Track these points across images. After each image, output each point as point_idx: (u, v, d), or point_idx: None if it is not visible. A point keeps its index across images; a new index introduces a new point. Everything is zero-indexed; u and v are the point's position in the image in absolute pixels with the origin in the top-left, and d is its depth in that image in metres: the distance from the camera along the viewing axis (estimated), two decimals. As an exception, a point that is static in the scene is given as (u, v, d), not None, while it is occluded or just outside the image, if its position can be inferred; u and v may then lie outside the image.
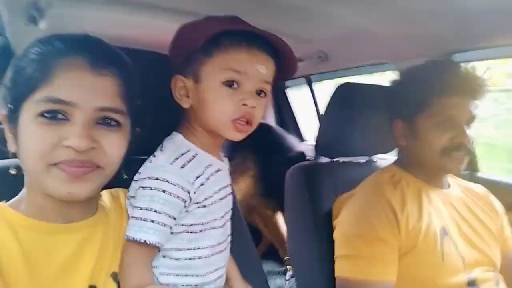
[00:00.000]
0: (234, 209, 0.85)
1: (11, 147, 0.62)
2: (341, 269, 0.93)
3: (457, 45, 1.21)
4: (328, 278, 0.96)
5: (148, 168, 0.70)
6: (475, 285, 0.89)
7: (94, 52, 0.61)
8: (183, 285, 0.72)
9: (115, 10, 1.19)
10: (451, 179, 1.06)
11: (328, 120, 1.21)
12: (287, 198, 1.17)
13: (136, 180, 0.70)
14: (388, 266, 0.89)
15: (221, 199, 0.75)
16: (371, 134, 1.16)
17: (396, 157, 1.08)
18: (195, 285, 0.73)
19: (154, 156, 0.72)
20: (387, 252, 0.89)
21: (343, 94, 1.18)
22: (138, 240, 0.65)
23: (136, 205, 0.67)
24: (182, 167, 0.68)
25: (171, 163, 0.68)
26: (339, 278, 0.93)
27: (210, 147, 0.74)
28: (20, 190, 0.66)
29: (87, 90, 0.59)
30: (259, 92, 0.71)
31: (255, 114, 0.70)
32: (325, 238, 1.02)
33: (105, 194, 0.75)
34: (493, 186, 1.13)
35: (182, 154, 0.70)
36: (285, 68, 0.74)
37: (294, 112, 2.37)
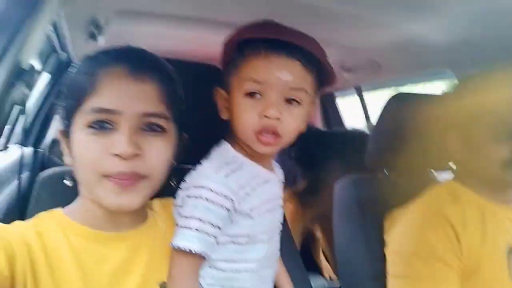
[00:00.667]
0: (284, 225, 0.82)
1: (67, 160, 0.65)
2: None
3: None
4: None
5: (194, 176, 0.70)
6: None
7: (135, 59, 0.63)
8: None
9: (169, 25, 1.23)
10: None
11: (379, 132, 1.16)
12: (336, 213, 1.13)
13: (182, 189, 0.71)
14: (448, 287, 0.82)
15: (268, 211, 0.73)
16: (425, 147, 1.09)
17: (453, 173, 1.01)
18: None
19: (201, 165, 0.71)
20: (447, 272, 0.83)
21: (396, 105, 1.13)
22: (182, 248, 0.65)
23: (182, 214, 0.67)
24: (227, 176, 0.67)
25: (216, 172, 0.67)
26: None
27: (258, 157, 0.72)
28: (75, 197, 0.69)
29: (130, 97, 0.60)
30: (290, 101, 0.67)
31: (280, 125, 0.66)
32: (377, 255, 0.96)
33: (156, 203, 0.76)
34: None
35: (228, 164, 0.69)
36: (323, 72, 0.69)
37: (343, 123, 2.31)
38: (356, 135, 1.78)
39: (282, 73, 0.65)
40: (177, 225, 0.68)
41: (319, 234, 1.97)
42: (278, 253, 0.80)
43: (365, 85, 2.00)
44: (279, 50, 0.65)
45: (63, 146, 0.66)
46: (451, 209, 0.88)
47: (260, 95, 0.66)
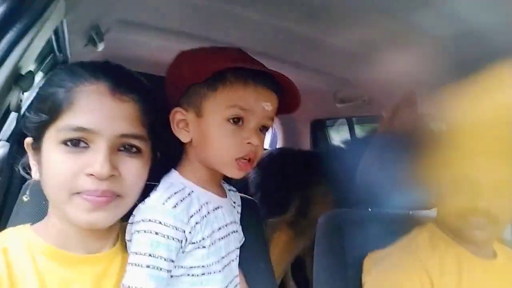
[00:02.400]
0: (257, 246, 0.81)
1: (35, 175, 0.63)
2: None
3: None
4: None
5: (141, 209, 0.67)
6: None
7: (114, 78, 0.61)
8: None
9: (167, 38, 1.23)
10: (498, 249, 0.96)
11: (366, 166, 1.16)
12: (317, 246, 1.12)
13: (131, 223, 0.67)
14: None
15: (221, 238, 0.72)
16: (412, 186, 1.10)
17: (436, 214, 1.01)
18: None
19: (149, 197, 0.68)
20: None
21: (384, 141, 1.14)
22: None
23: (132, 250, 0.64)
24: (175, 207, 0.65)
25: (163, 203, 0.65)
26: None
27: (208, 183, 0.72)
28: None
29: (108, 117, 0.59)
30: (262, 128, 0.70)
31: (257, 151, 0.69)
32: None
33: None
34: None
35: (175, 193, 0.67)
36: (289, 103, 0.73)
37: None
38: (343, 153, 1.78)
39: (266, 104, 0.68)
40: (128, 263, 0.64)
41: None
42: (236, 279, 0.78)
43: (357, 117, 2.03)
44: (265, 81, 0.67)
45: (31, 160, 0.63)
46: (428, 256, 0.88)
47: (242, 121, 0.67)
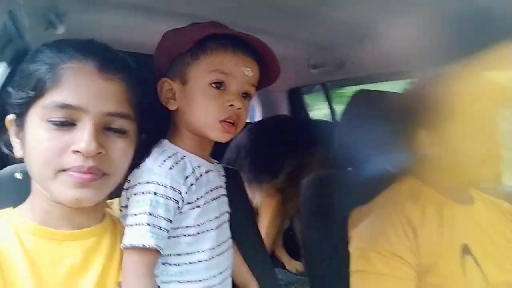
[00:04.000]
0: (243, 213, 0.84)
1: (18, 153, 0.62)
2: (356, 285, 0.90)
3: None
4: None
5: (137, 174, 0.69)
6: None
7: (102, 57, 0.61)
8: None
9: (130, 15, 1.19)
10: (476, 194, 1.01)
11: (344, 128, 1.19)
12: (303, 208, 1.15)
13: (127, 189, 0.70)
14: (404, 283, 0.86)
15: (214, 199, 0.75)
16: (389, 143, 1.13)
17: (413, 167, 1.03)
18: None
19: (143, 162, 0.71)
20: (405, 269, 0.86)
21: (359, 102, 1.16)
22: (135, 245, 0.63)
23: (130, 212, 0.66)
24: (171, 168, 0.68)
25: (160, 166, 0.68)
26: None
27: (198, 149, 0.75)
28: (27, 195, 0.65)
29: (96, 95, 0.59)
30: (245, 95, 0.73)
31: (241, 116, 0.72)
32: (342, 250, 0.98)
33: (115, 202, 0.75)
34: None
35: (170, 157, 0.70)
36: (269, 73, 0.76)
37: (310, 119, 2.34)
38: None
39: (246, 69, 0.71)
40: (126, 225, 0.66)
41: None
42: (230, 241, 0.81)
43: (331, 82, 2.04)
44: (244, 48, 0.71)
45: (13, 137, 0.63)
46: (410, 207, 0.92)
47: (224, 86, 0.70)
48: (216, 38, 0.70)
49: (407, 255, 0.86)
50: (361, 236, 0.95)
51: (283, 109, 2.21)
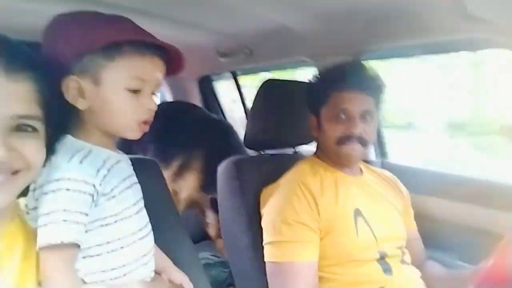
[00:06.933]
0: (164, 200, 0.84)
1: None
2: (269, 255, 1.01)
3: (368, 44, 1.34)
4: (261, 264, 1.03)
5: (44, 174, 0.66)
6: (385, 258, 1.02)
7: (7, 55, 0.57)
8: (111, 279, 0.71)
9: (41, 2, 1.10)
10: (363, 167, 1.19)
11: (255, 115, 1.27)
12: (220, 192, 1.22)
13: (34, 190, 0.66)
14: (310, 247, 0.99)
15: (129, 187, 0.76)
16: (294, 127, 1.25)
17: (316, 149, 1.19)
18: (124, 274, 0.72)
19: (49, 161, 0.67)
20: (309, 234, 0.99)
21: (267, 91, 1.25)
22: (54, 243, 0.62)
23: (43, 212, 0.63)
24: (81, 162, 0.67)
25: (68, 161, 0.66)
26: (268, 263, 1.01)
27: (103, 143, 0.74)
28: None
29: (2, 98, 0.55)
30: (153, 93, 0.76)
31: (152, 114, 0.75)
32: (256, 227, 1.08)
33: (22, 203, 0.71)
34: (400, 171, 1.30)
35: (78, 151, 0.68)
36: (173, 67, 0.78)
37: (221, 106, 2.39)
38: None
39: (157, 73, 0.74)
40: (38, 227, 0.63)
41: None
42: (149, 225, 0.82)
43: (240, 70, 2.11)
44: (158, 52, 0.72)
45: None
46: (311, 180, 1.06)
47: (140, 90, 0.71)
48: (131, 40, 0.69)
49: (311, 221, 1.00)
50: (270, 210, 1.06)
51: (195, 97, 2.23)
